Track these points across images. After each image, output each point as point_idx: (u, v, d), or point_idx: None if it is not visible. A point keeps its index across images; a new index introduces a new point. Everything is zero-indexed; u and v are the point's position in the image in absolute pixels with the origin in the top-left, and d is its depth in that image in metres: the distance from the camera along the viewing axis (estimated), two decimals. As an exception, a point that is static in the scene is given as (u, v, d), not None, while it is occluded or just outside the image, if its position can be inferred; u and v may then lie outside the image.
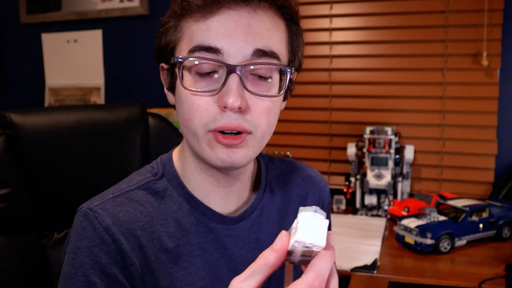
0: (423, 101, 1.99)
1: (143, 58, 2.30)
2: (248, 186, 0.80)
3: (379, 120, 2.03)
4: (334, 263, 0.50)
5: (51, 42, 2.49)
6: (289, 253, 0.48)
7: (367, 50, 2.05)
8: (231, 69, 0.64)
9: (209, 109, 0.65)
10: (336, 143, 2.11)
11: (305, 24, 2.12)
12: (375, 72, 2.04)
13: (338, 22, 2.07)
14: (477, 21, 1.87)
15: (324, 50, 2.09)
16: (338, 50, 2.08)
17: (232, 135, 0.66)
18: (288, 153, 2.13)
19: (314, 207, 0.47)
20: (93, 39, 2.42)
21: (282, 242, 0.48)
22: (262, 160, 0.86)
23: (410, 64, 1.99)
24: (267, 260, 0.47)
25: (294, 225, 0.48)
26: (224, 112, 0.65)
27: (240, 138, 0.66)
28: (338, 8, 2.06)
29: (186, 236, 0.72)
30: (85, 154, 1.08)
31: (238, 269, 0.75)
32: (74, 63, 2.47)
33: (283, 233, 0.49)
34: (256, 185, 0.82)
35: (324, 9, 2.07)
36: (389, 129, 1.90)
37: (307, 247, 0.46)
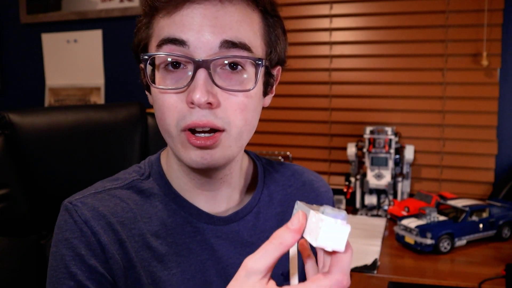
0: (423, 101, 1.99)
1: (143, 58, 2.30)
2: (237, 188, 0.77)
3: (379, 120, 2.03)
4: None
5: (51, 42, 2.49)
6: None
7: (367, 50, 2.05)
8: (198, 64, 0.61)
9: (178, 107, 0.63)
10: (336, 143, 2.11)
11: (305, 24, 2.12)
12: (375, 72, 2.04)
13: (338, 22, 2.07)
14: (477, 21, 1.86)
15: (324, 50, 2.09)
16: (338, 50, 2.08)
17: (204, 135, 0.63)
18: (288, 153, 2.13)
19: (337, 212, 0.45)
20: (93, 39, 2.42)
21: (300, 222, 0.48)
22: (259, 163, 0.83)
23: (410, 64, 1.99)
24: (282, 239, 0.47)
25: (312, 218, 0.47)
26: (193, 108, 0.62)
27: (213, 138, 0.63)
28: (338, 8, 2.06)
29: (171, 236, 0.71)
30: (84, 154, 1.08)
31: (227, 272, 0.73)
32: (74, 63, 2.47)
33: (300, 213, 0.49)
34: (252, 188, 0.79)
35: (324, 9, 2.07)
36: (389, 129, 1.90)
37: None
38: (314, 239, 0.46)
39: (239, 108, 0.64)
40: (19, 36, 2.54)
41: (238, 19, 0.64)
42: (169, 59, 0.64)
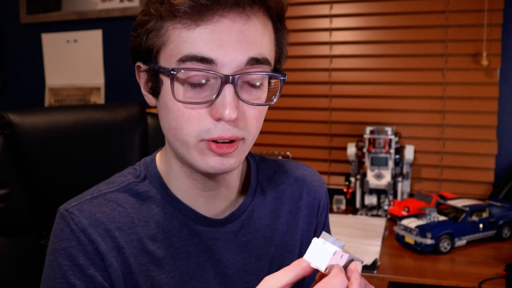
0: (423, 101, 1.99)
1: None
2: (235, 188, 0.77)
3: (379, 120, 2.03)
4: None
5: (51, 42, 2.49)
6: None
7: (367, 50, 2.05)
8: (226, 80, 0.61)
9: (201, 120, 0.62)
10: (336, 143, 2.11)
11: (305, 24, 2.12)
12: (375, 72, 2.04)
13: (338, 22, 2.07)
14: (477, 21, 1.86)
15: (324, 50, 2.09)
16: (338, 50, 2.08)
17: (225, 143, 0.64)
18: (288, 153, 2.13)
19: (332, 238, 0.53)
20: (93, 39, 2.42)
21: None
22: (253, 161, 0.83)
23: (410, 64, 1.99)
24: (300, 260, 0.52)
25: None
26: (218, 122, 0.62)
27: (234, 146, 0.64)
28: (338, 8, 2.06)
29: (169, 239, 0.70)
30: (84, 154, 1.07)
31: (226, 274, 0.73)
32: (74, 63, 2.47)
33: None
34: (246, 187, 0.79)
35: (324, 9, 2.07)
36: (389, 129, 1.89)
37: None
38: (304, 255, 0.53)
39: (255, 118, 0.66)
40: (19, 36, 2.54)
41: (261, 32, 0.64)
42: (196, 77, 0.62)
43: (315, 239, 0.52)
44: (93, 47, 2.42)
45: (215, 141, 0.64)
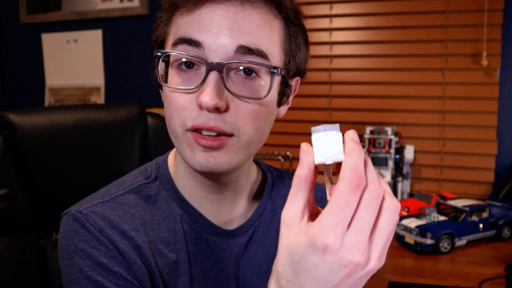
0: (423, 101, 1.99)
1: (143, 58, 2.30)
2: (244, 195, 0.75)
3: (379, 120, 2.03)
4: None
5: (51, 42, 2.49)
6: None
7: (367, 50, 2.05)
8: (210, 66, 0.59)
9: (187, 107, 0.61)
10: (336, 143, 2.11)
11: (305, 24, 2.12)
12: (375, 72, 2.04)
13: (338, 22, 2.07)
14: (477, 21, 1.86)
15: (324, 50, 2.09)
16: (338, 50, 2.08)
17: (210, 136, 0.61)
18: (288, 153, 2.13)
19: (322, 126, 0.45)
20: (93, 39, 2.42)
21: (304, 151, 0.46)
22: (270, 176, 0.81)
23: (410, 64, 1.99)
24: (300, 175, 0.45)
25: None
26: (202, 111, 0.60)
27: (219, 140, 0.61)
28: (338, 8, 2.06)
29: (180, 242, 0.70)
30: (84, 154, 1.07)
31: (228, 286, 0.72)
32: (74, 63, 2.47)
33: (303, 144, 0.46)
34: (258, 201, 0.78)
35: (324, 9, 2.07)
36: (389, 129, 1.90)
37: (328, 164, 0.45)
38: (315, 159, 0.44)
39: (250, 116, 0.62)
40: (19, 36, 2.54)
41: (257, 24, 0.61)
42: (183, 59, 0.62)
43: (313, 136, 0.44)
44: (93, 47, 2.42)
45: (200, 132, 0.62)
